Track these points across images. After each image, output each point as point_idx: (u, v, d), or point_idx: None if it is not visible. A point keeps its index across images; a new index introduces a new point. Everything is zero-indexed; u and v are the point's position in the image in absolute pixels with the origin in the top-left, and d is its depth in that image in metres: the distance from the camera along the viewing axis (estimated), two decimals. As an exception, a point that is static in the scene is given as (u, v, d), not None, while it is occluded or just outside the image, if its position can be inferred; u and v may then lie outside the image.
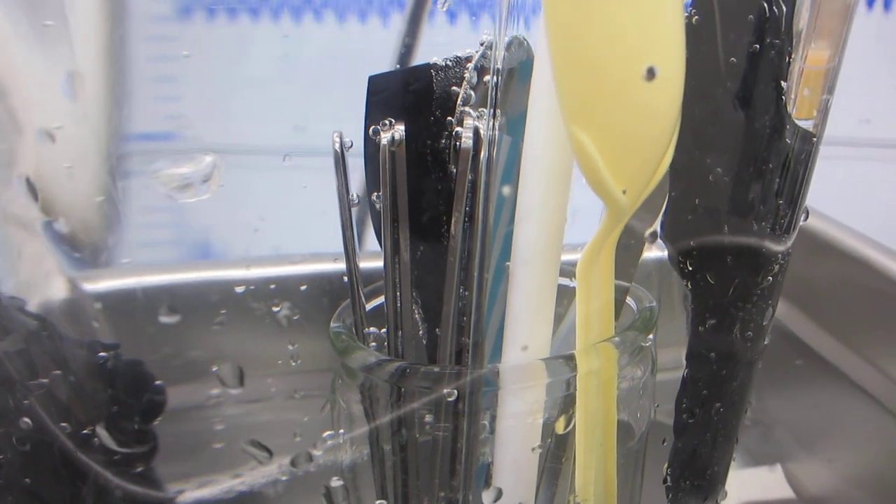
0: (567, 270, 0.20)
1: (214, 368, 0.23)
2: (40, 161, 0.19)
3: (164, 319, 0.17)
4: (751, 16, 0.17)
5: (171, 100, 0.24)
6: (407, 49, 0.25)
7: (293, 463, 0.18)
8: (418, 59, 0.27)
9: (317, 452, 0.22)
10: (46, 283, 0.20)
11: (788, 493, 0.30)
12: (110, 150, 0.21)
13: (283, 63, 0.25)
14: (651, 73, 0.15)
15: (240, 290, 0.23)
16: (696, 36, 0.18)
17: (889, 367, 0.27)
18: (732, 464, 0.24)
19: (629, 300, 0.22)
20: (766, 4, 0.17)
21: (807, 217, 0.19)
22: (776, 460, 0.31)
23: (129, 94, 0.21)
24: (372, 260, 0.22)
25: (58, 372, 0.16)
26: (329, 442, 0.21)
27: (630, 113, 0.15)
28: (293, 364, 0.23)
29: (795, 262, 0.31)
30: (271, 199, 0.24)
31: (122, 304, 0.24)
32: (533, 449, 0.20)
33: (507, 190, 0.20)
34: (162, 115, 0.24)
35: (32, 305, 0.19)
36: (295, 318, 0.23)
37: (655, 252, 0.21)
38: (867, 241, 0.29)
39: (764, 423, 0.32)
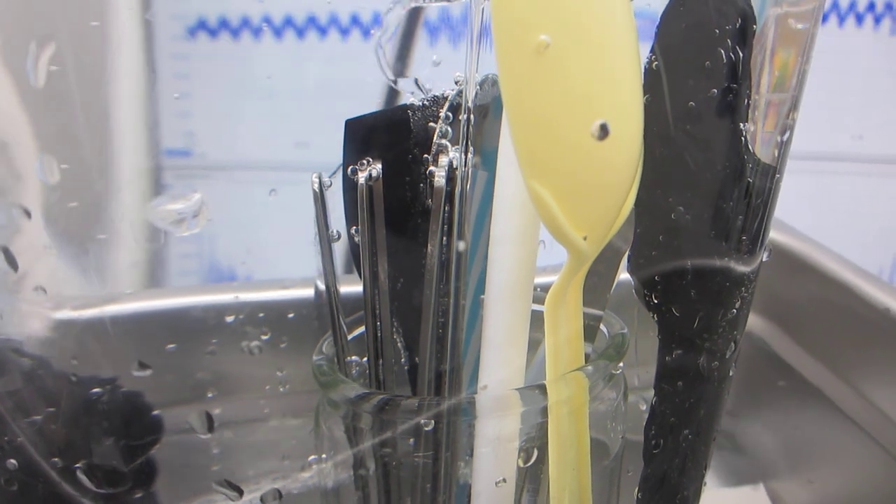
0: (542, 297, 0.21)
1: (210, 395, 0.24)
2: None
3: (137, 373, 0.18)
4: (708, 62, 0.18)
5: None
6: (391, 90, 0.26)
7: (262, 500, 0.19)
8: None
9: (304, 475, 0.23)
10: (39, 312, 0.21)
11: (770, 511, 0.31)
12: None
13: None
14: (604, 131, 0.15)
15: (230, 319, 0.24)
16: (656, 80, 0.19)
17: (869, 389, 0.28)
18: (717, 482, 0.24)
19: (602, 327, 0.23)
20: (722, 51, 0.18)
21: (770, 253, 0.20)
22: (759, 479, 0.32)
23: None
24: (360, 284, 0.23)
25: (52, 409, 0.17)
26: (314, 466, 0.22)
27: (587, 168, 0.16)
28: (281, 390, 0.24)
29: (779, 285, 0.31)
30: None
31: (121, 330, 0.25)
32: (498, 483, 0.20)
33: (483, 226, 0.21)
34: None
35: (24, 337, 0.20)
36: (282, 345, 0.24)
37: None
38: (849, 265, 0.29)
39: (747, 443, 0.33)
